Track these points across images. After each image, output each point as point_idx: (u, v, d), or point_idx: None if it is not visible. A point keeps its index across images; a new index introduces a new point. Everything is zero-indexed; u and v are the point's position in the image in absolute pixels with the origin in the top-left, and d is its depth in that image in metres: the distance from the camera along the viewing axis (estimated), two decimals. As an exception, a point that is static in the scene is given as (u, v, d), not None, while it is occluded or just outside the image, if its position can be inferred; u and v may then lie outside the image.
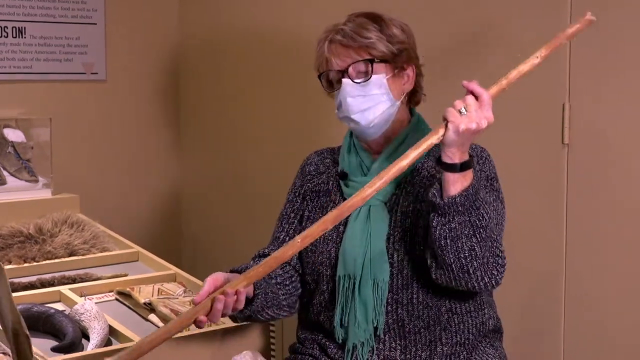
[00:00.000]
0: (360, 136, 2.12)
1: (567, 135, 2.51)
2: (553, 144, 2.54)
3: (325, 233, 1.98)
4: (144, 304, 2.42)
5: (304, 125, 3.30)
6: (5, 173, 3.14)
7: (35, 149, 3.24)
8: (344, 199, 2.10)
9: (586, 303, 2.52)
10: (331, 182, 2.18)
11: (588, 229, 2.51)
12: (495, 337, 2.13)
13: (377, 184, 1.84)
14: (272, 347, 2.36)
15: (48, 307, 2.33)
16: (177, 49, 3.84)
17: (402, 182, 2.08)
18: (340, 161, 2.17)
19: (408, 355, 2.02)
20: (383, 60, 2.05)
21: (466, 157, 1.86)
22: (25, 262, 2.68)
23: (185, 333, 2.26)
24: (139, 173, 3.79)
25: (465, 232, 1.87)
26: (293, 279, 2.17)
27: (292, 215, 2.22)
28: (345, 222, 2.07)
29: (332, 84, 2.09)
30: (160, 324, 2.34)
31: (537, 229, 2.60)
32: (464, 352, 2.04)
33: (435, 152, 2.10)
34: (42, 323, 2.27)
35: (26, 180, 3.16)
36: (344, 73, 2.05)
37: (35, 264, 2.69)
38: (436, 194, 1.88)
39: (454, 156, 1.85)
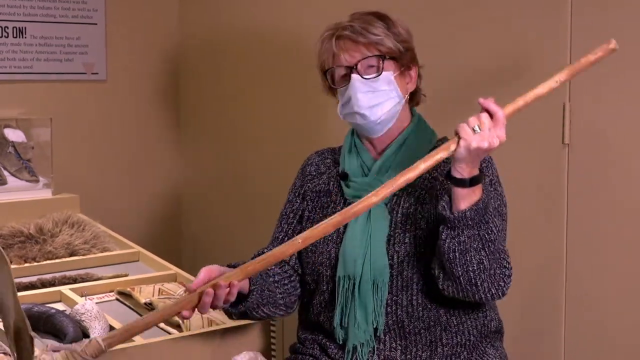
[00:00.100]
0: (365, 133, 2.11)
1: (568, 135, 2.51)
2: (553, 144, 2.54)
3: None
4: (145, 304, 2.42)
5: (304, 125, 3.30)
6: (5, 173, 3.14)
7: (35, 149, 3.24)
8: (345, 200, 2.11)
9: (587, 303, 2.52)
10: (332, 183, 2.18)
11: (588, 229, 2.51)
12: (496, 337, 2.13)
13: (383, 193, 1.84)
14: (273, 347, 2.35)
15: (49, 307, 2.33)
16: (178, 49, 3.85)
17: (403, 184, 2.08)
18: (341, 161, 2.17)
19: (409, 356, 2.02)
20: (392, 57, 2.06)
21: (476, 172, 1.86)
22: (25, 262, 2.68)
23: (186, 333, 2.26)
24: (140, 173, 3.79)
25: (474, 245, 1.88)
26: (292, 278, 2.17)
27: (292, 215, 2.22)
28: (346, 223, 2.07)
29: (337, 81, 2.09)
30: (161, 324, 2.34)
31: (538, 229, 2.60)
32: (465, 353, 2.05)
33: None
34: (43, 323, 2.27)
35: (27, 180, 3.16)
36: (352, 69, 2.05)
37: (35, 264, 2.69)
38: (446, 206, 1.88)
39: (463, 171, 1.85)
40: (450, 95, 2.76)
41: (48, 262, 2.71)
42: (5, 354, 2.06)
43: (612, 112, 2.44)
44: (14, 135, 3.21)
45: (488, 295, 1.93)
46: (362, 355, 2.02)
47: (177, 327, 2.31)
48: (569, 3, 2.49)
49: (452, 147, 1.83)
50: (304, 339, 2.17)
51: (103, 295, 2.53)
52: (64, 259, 2.74)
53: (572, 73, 1.91)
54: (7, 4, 3.35)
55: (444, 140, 2.16)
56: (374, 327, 2.01)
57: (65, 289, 2.49)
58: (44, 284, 2.54)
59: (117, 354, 2.13)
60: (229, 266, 2.00)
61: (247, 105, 3.57)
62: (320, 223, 1.87)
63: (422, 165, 1.84)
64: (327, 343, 2.10)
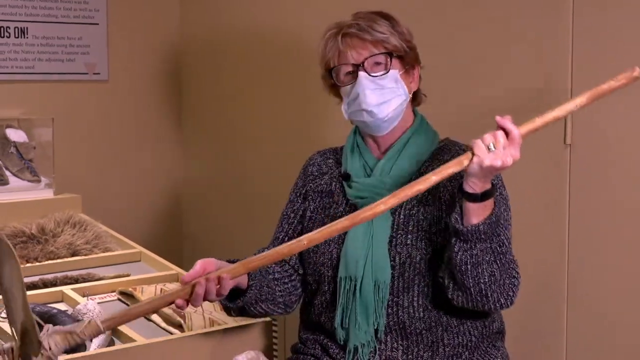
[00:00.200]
0: (371, 131, 2.11)
1: (569, 135, 2.51)
2: (555, 144, 2.54)
3: None
4: (147, 304, 2.42)
5: (305, 126, 3.30)
6: (7, 173, 3.14)
7: (37, 149, 3.24)
8: (347, 200, 2.11)
9: (588, 303, 2.52)
10: (334, 183, 2.18)
11: (590, 229, 2.51)
12: (498, 337, 2.13)
13: (391, 202, 1.84)
14: (275, 347, 2.35)
15: (50, 307, 2.33)
16: (179, 50, 3.85)
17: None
18: (343, 162, 2.17)
19: (410, 356, 2.03)
20: (398, 55, 2.06)
21: (488, 186, 1.86)
22: (27, 262, 2.68)
23: (187, 333, 2.26)
24: (141, 173, 3.79)
25: (487, 258, 1.89)
26: (292, 277, 2.17)
27: (292, 215, 2.22)
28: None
29: (343, 79, 2.09)
30: (163, 324, 2.35)
31: (540, 229, 2.60)
32: (466, 353, 2.05)
33: (440, 156, 2.11)
34: (45, 323, 2.27)
35: (28, 181, 3.16)
36: (359, 67, 2.05)
37: (37, 264, 2.69)
38: (458, 219, 1.88)
39: (475, 186, 1.84)
40: (451, 96, 2.76)
41: (50, 262, 2.71)
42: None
43: (614, 112, 2.44)
44: (16, 135, 3.21)
45: (497, 305, 1.95)
46: (363, 356, 2.02)
47: (179, 327, 2.32)
48: (571, 3, 2.49)
49: (465, 162, 1.82)
50: (306, 339, 2.18)
51: (105, 295, 2.53)
52: (65, 259, 2.74)
53: (593, 98, 1.88)
54: (9, 4, 3.35)
55: (445, 141, 2.17)
56: (375, 328, 2.01)
57: (67, 289, 2.49)
58: (45, 284, 2.54)
59: (119, 354, 2.14)
60: (228, 261, 2.00)
61: (247, 106, 3.57)
62: (327, 226, 1.86)
63: (433, 178, 1.82)
64: (329, 343, 2.10)
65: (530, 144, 2.58)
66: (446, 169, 1.82)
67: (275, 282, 2.14)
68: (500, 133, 1.81)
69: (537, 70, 2.58)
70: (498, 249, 1.90)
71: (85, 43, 3.55)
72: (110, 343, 2.23)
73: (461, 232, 1.87)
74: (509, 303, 1.96)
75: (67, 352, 2.12)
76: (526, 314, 2.64)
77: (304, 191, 2.23)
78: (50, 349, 1.75)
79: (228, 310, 2.13)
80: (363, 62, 2.05)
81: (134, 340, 2.20)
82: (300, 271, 2.19)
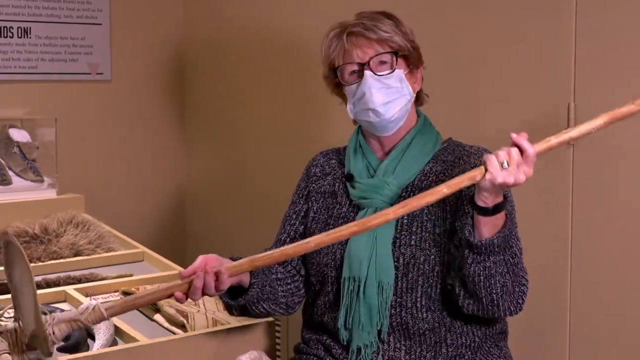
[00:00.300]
0: (376, 132, 2.11)
1: (572, 135, 2.51)
2: (558, 144, 2.54)
3: None
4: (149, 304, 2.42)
5: (309, 125, 3.30)
6: (10, 173, 3.14)
7: (40, 149, 3.24)
8: (350, 201, 2.11)
9: (591, 302, 2.52)
10: (337, 184, 2.17)
11: (593, 229, 2.50)
12: (500, 337, 2.13)
13: (400, 211, 1.85)
14: (277, 347, 2.35)
15: (54, 307, 2.34)
16: (182, 49, 3.85)
17: (410, 186, 2.08)
18: (346, 163, 2.17)
19: (413, 356, 2.02)
20: (403, 55, 2.06)
21: (499, 200, 1.86)
22: (30, 262, 2.67)
23: (190, 333, 2.26)
24: (144, 173, 3.79)
25: (499, 270, 1.90)
26: (295, 278, 2.17)
27: (294, 216, 2.22)
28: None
29: (348, 78, 2.08)
30: (166, 324, 2.35)
31: (543, 229, 2.59)
32: (469, 353, 2.05)
33: (444, 157, 2.10)
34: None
35: (31, 180, 3.16)
36: (364, 66, 2.05)
37: (40, 264, 2.69)
38: (472, 231, 1.89)
39: (487, 200, 1.85)
40: (452, 96, 2.76)
41: (53, 262, 2.71)
42: (9, 353, 2.06)
43: (617, 112, 2.44)
44: (19, 135, 3.21)
45: (507, 312, 1.97)
46: (366, 356, 2.02)
47: (182, 327, 2.32)
48: (574, 3, 2.49)
49: (478, 177, 1.82)
50: (309, 339, 2.17)
51: (108, 295, 2.53)
52: (68, 259, 2.74)
53: (611, 121, 1.88)
54: (12, 4, 3.35)
55: (449, 141, 2.17)
56: (378, 328, 2.01)
57: (70, 289, 2.49)
58: (48, 284, 2.54)
59: (122, 354, 2.14)
60: (231, 259, 2.00)
61: (250, 105, 3.57)
62: (335, 230, 1.87)
63: (444, 190, 1.83)
64: (332, 343, 2.10)
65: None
66: (458, 183, 1.83)
67: (278, 282, 2.13)
68: (515, 151, 1.81)
69: (539, 70, 2.58)
70: (511, 260, 1.91)
71: (88, 43, 3.55)
72: (113, 343, 2.23)
73: (475, 246, 1.87)
74: (518, 310, 1.97)
75: (69, 351, 2.14)
76: (529, 314, 2.63)
77: (306, 192, 2.22)
78: (53, 333, 1.76)
79: (230, 309, 2.13)
80: (369, 61, 2.05)
81: (136, 340, 2.21)
82: (303, 272, 2.18)
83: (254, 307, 2.09)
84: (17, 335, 1.80)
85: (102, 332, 2.22)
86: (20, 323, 1.79)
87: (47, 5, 3.44)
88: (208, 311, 2.39)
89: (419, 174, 2.08)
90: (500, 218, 1.87)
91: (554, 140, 1.84)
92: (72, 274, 2.62)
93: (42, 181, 3.18)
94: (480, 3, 2.71)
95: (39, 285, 2.52)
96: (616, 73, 2.43)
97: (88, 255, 2.79)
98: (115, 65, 3.65)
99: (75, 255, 2.78)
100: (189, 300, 2.43)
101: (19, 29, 3.38)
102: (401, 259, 2.01)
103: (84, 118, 3.57)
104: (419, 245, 2.01)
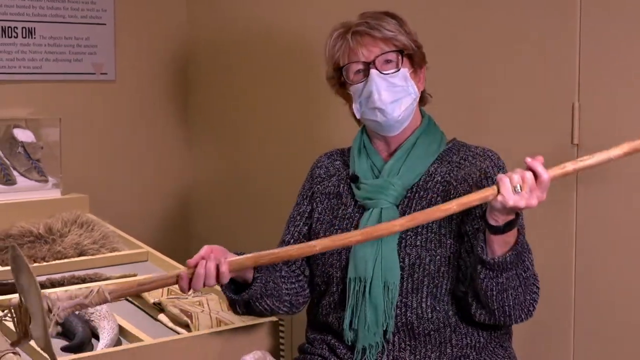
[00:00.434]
0: (382, 131, 2.10)
1: (577, 135, 2.51)
2: (563, 144, 2.54)
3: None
4: (154, 303, 2.42)
5: (313, 126, 3.30)
6: (15, 173, 3.15)
7: (44, 149, 3.24)
8: (355, 202, 2.11)
9: (596, 303, 2.52)
10: (342, 185, 2.17)
11: (598, 229, 2.50)
12: (505, 337, 2.12)
13: (408, 225, 1.87)
14: (282, 347, 2.35)
15: (58, 306, 2.33)
16: (186, 49, 3.85)
17: (415, 186, 2.07)
18: (350, 164, 2.17)
19: (417, 356, 2.02)
20: (408, 54, 2.06)
21: (511, 217, 1.86)
22: (35, 262, 2.68)
23: (194, 333, 2.27)
24: (148, 173, 3.79)
25: (512, 284, 1.91)
26: (299, 278, 2.17)
27: (298, 217, 2.22)
28: (356, 225, 2.08)
29: (353, 78, 2.08)
30: (170, 324, 2.35)
31: (547, 229, 2.59)
32: (474, 353, 2.04)
33: (448, 157, 2.10)
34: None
35: (36, 180, 3.16)
36: (370, 64, 2.04)
37: (45, 263, 2.69)
38: (484, 248, 1.89)
39: (498, 218, 1.85)
40: (455, 96, 2.76)
41: (57, 262, 2.71)
42: (14, 353, 2.06)
43: (622, 112, 2.43)
44: (24, 135, 3.22)
45: (518, 320, 1.98)
46: (371, 356, 2.02)
47: (186, 327, 2.32)
48: (578, 3, 2.48)
49: (489, 197, 1.82)
50: (313, 339, 2.17)
51: (112, 295, 2.53)
52: (72, 259, 2.74)
53: (629, 152, 1.88)
54: (17, 4, 3.35)
55: (453, 142, 2.16)
56: (384, 329, 2.01)
57: (74, 289, 2.49)
58: (53, 284, 2.54)
59: (126, 354, 2.14)
60: (236, 254, 2.01)
61: (255, 105, 3.57)
62: (341, 236, 1.90)
63: (454, 207, 1.84)
64: (336, 343, 2.10)
65: (538, 143, 2.59)
66: (469, 202, 1.84)
67: (282, 280, 2.13)
68: (530, 175, 1.81)
69: (544, 70, 2.58)
70: (523, 274, 1.92)
71: (92, 43, 3.55)
72: (117, 343, 2.23)
73: (487, 263, 1.88)
74: (528, 317, 1.99)
75: (73, 351, 2.14)
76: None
77: (310, 193, 2.22)
78: (58, 315, 1.80)
79: (234, 307, 2.13)
80: (374, 60, 2.05)
81: (141, 340, 2.21)
82: (307, 273, 2.18)
83: (257, 304, 2.08)
84: (21, 311, 1.83)
85: (106, 332, 2.22)
86: (23, 302, 1.82)
87: (51, 6, 3.44)
88: (212, 311, 2.39)
89: (423, 174, 2.08)
90: (511, 235, 1.87)
91: (570, 166, 1.84)
92: (76, 273, 2.62)
93: (46, 181, 3.19)
94: (484, 3, 2.71)
95: (44, 285, 2.52)
96: (621, 73, 2.43)
97: (92, 255, 2.79)
98: (120, 66, 3.65)
99: (80, 255, 2.78)
100: (193, 299, 2.46)
101: (24, 29, 3.38)
102: (407, 260, 2.01)
103: (88, 118, 3.57)
104: (424, 246, 2.01)
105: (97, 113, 3.61)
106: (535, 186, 1.81)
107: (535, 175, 1.81)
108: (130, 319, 2.34)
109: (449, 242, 2.01)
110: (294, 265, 2.17)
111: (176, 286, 2.51)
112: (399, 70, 2.06)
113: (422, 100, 2.17)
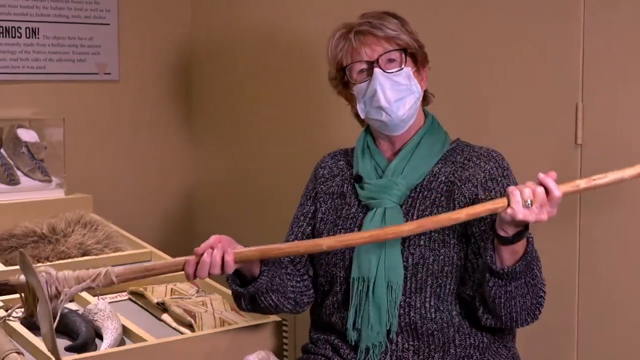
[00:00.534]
0: (387, 131, 2.10)
1: (580, 135, 2.51)
2: (566, 144, 2.54)
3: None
4: (157, 303, 2.43)
5: (317, 126, 3.30)
6: (19, 173, 3.15)
7: (48, 149, 3.25)
8: (359, 202, 2.11)
9: (599, 302, 2.52)
10: (346, 185, 2.17)
11: (601, 229, 2.50)
12: (509, 337, 2.12)
13: (416, 231, 1.89)
14: (285, 347, 2.36)
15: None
16: (190, 49, 3.85)
17: (419, 186, 2.07)
18: (354, 164, 2.17)
19: (421, 357, 2.02)
20: (411, 52, 2.06)
21: (520, 228, 1.86)
22: (38, 261, 2.69)
23: (198, 333, 2.27)
24: (152, 173, 3.79)
25: (521, 292, 1.92)
26: (304, 277, 2.17)
27: (302, 218, 2.22)
28: (360, 224, 2.08)
29: (356, 77, 2.08)
30: (174, 324, 2.35)
31: (550, 229, 2.58)
32: (477, 354, 2.04)
33: (452, 158, 2.10)
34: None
35: (39, 180, 3.17)
36: (373, 64, 2.05)
37: (48, 263, 2.68)
38: (494, 256, 1.89)
39: (507, 229, 1.85)
40: (458, 96, 2.76)
41: (61, 261, 2.71)
42: (18, 353, 2.07)
43: (625, 112, 2.43)
44: (27, 135, 3.22)
45: (524, 324, 1.99)
46: (374, 356, 2.02)
47: (190, 327, 2.32)
48: (582, 4, 2.48)
49: (499, 209, 1.82)
50: (316, 339, 2.17)
51: (116, 295, 2.54)
52: (76, 259, 2.75)
53: None
54: (20, 4, 3.36)
55: (457, 142, 2.16)
56: (387, 328, 2.01)
57: (81, 271, 2.49)
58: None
59: (129, 354, 2.14)
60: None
61: (258, 105, 3.57)
62: (348, 237, 1.92)
63: (462, 216, 1.85)
64: (339, 343, 2.10)
65: (541, 143, 2.59)
66: (478, 212, 1.84)
67: (288, 277, 2.14)
68: (541, 190, 1.81)
69: (547, 70, 2.58)
70: (531, 282, 1.92)
71: (96, 43, 3.56)
72: (121, 343, 2.23)
73: (496, 272, 1.88)
74: (535, 320, 2.00)
75: (77, 351, 2.14)
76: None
77: (314, 194, 2.22)
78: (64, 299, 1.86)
79: (239, 300, 2.13)
80: (377, 59, 2.05)
81: (144, 340, 2.21)
82: (311, 273, 2.18)
83: (262, 298, 2.08)
84: (29, 290, 1.88)
85: (109, 332, 2.22)
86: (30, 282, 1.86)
87: (55, 6, 3.44)
88: (216, 311, 2.39)
89: (427, 174, 2.08)
90: (521, 245, 1.88)
91: (583, 184, 1.84)
92: (80, 273, 2.62)
93: (50, 181, 3.19)
94: (486, 3, 2.71)
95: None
96: (624, 73, 2.42)
97: (96, 255, 2.79)
98: (123, 66, 3.65)
99: (83, 255, 2.79)
100: (196, 299, 2.46)
101: (27, 29, 3.39)
102: (410, 259, 2.01)
103: (91, 118, 3.58)
104: (427, 246, 2.01)
105: (101, 113, 3.62)
106: (546, 201, 1.81)
107: (547, 191, 1.81)
108: (134, 319, 2.34)
109: (452, 241, 2.01)
110: (299, 265, 2.17)
111: (180, 286, 2.54)
112: (402, 69, 2.06)
113: (425, 99, 2.17)
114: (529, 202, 1.80)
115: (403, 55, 2.06)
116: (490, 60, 2.70)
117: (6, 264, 2.67)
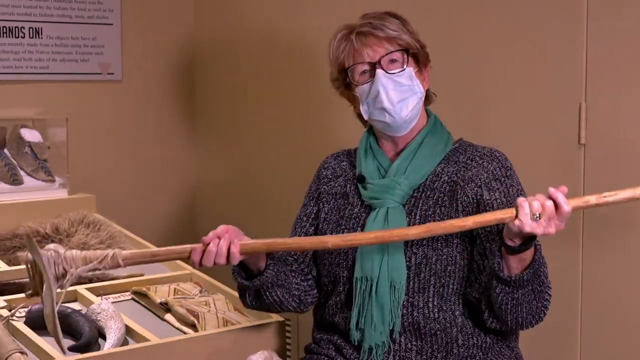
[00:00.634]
0: (390, 132, 2.10)
1: (584, 135, 2.50)
2: (569, 144, 2.53)
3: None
4: (160, 303, 2.43)
5: (319, 126, 3.30)
6: (22, 173, 3.15)
7: (51, 149, 3.25)
8: (362, 202, 2.11)
9: (602, 302, 2.51)
10: (349, 185, 2.17)
11: (604, 229, 2.50)
12: (512, 337, 2.12)
13: (423, 235, 1.89)
14: (288, 347, 2.36)
15: (65, 306, 2.34)
16: (193, 49, 3.85)
17: (421, 186, 2.07)
18: (357, 164, 2.17)
19: (424, 357, 2.02)
20: (412, 53, 2.06)
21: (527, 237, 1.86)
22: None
23: (201, 333, 2.27)
24: (155, 173, 3.80)
25: (527, 299, 1.92)
26: (308, 277, 2.17)
27: (305, 218, 2.22)
28: (363, 224, 2.08)
29: (358, 79, 2.08)
30: (177, 324, 2.35)
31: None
32: (480, 354, 2.04)
33: (455, 157, 2.10)
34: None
35: (43, 180, 3.17)
36: (375, 65, 2.04)
37: (51, 263, 2.69)
38: (501, 263, 1.89)
39: (515, 238, 1.86)
40: (461, 96, 2.76)
41: (64, 261, 2.71)
42: (22, 353, 2.07)
43: (629, 112, 2.43)
44: (31, 135, 3.22)
45: (529, 326, 1.99)
46: (377, 356, 2.02)
47: (193, 326, 2.32)
48: (585, 4, 2.48)
49: (507, 219, 1.83)
50: (319, 339, 2.17)
51: (119, 295, 2.54)
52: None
53: None
54: (24, 4, 3.36)
55: (460, 142, 2.16)
56: (390, 328, 2.01)
57: (81, 289, 2.50)
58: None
59: (133, 354, 2.14)
60: None
61: (261, 105, 3.57)
62: (353, 236, 1.94)
63: (469, 224, 1.86)
64: (342, 343, 2.10)
65: (544, 143, 2.59)
66: (485, 221, 1.85)
67: (293, 274, 2.14)
68: (550, 204, 1.81)
69: (551, 69, 2.57)
70: (538, 288, 1.93)
71: (99, 43, 3.56)
72: (124, 343, 2.24)
73: (503, 280, 1.89)
74: (539, 322, 2.00)
75: (80, 351, 2.14)
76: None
77: (316, 194, 2.22)
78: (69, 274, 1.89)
79: (244, 295, 2.13)
80: (379, 60, 2.05)
81: (147, 340, 2.21)
82: (314, 273, 2.18)
83: (267, 293, 2.09)
84: (36, 269, 1.90)
85: (113, 331, 2.22)
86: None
87: (58, 6, 3.44)
88: (219, 311, 2.39)
89: (430, 174, 2.08)
90: (528, 253, 1.88)
91: (593, 201, 1.84)
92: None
93: (53, 181, 3.19)
94: (490, 2, 2.70)
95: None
96: (628, 73, 2.42)
97: (98, 275, 2.78)
98: (127, 66, 3.65)
99: (86, 275, 2.78)
100: (199, 299, 2.46)
101: (31, 29, 3.39)
102: (413, 259, 2.01)
103: (95, 118, 3.58)
104: (430, 245, 2.01)
105: (104, 113, 3.62)
106: (555, 215, 1.81)
107: (556, 205, 1.81)
108: (137, 319, 2.35)
109: (455, 241, 2.01)
110: (303, 264, 2.17)
111: (183, 286, 2.54)
112: (404, 69, 2.06)
113: (427, 99, 2.17)
114: (537, 215, 1.80)
115: (405, 56, 2.06)
116: (493, 60, 2.70)
117: (9, 264, 2.67)
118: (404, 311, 2.01)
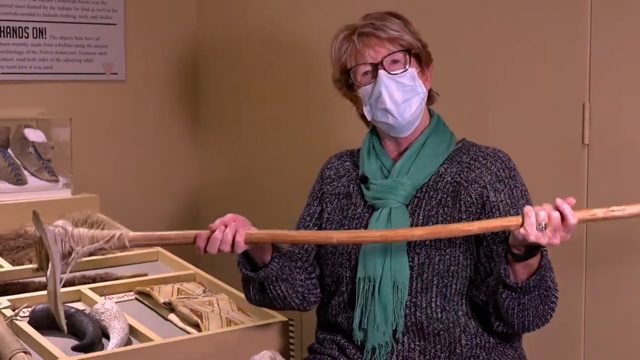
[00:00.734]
0: (393, 132, 2.10)
1: (587, 135, 2.50)
2: (573, 144, 2.53)
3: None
4: (164, 303, 2.43)
5: (323, 126, 3.30)
6: (26, 173, 3.15)
7: (55, 149, 3.25)
8: (365, 202, 2.11)
9: (606, 303, 2.51)
10: (352, 186, 2.17)
11: (608, 230, 2.49)
12: (515, 337, 2.12)
13: (426, 237, 1.91)
14: (291, 347, 2.36)
15: (68, 306, 2.34)
16: (196, 50, 3.86)
17: (424, 186, 2.07)
18: (360, 164, 2.17)
19: (427, 357, 2.02)
20: (414, 53, 2.06)
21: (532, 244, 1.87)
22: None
23: (204, 333, 2.27)
24: (159, 172, 3.80)
25: (534, 304, 1.92)
26: (311, 275, 2.17)
27: (308, 218, 2.22)
28: (366, 224, 2.08)
29: (361, 79, 2.08)
30: (180, 324, 2.35)
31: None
32: (483, 354, 2.04)
33: (458, 158, 2.10)
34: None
35: (46, 180, 3.17)
36: (377, 66, 2.04)
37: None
38: (508, 270, 1.90)
39: (519, 246, 1.86)
40: (463, 96, 2.76)
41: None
42: (25, 352, 2.07)
43: (633, 112, 2.43)
44: (34, 135, 3.22)
45: (535, 329, 2.00)
46: (380, 356, 2.02)
47: (196, 326, 2.32)
48: (589, 4, 2.48)
49: (512, 227, 1.83)
50: (323, 339, 2.17)
51: (122, 294, 2.54)
52: (83, 259, 2.74)
53: None
54: (27, 4, 3.37)
55: (463, 142, 2.16)
56: (393, 328, 2.01)
57: (84, 289, 2.50)
58: (63, 284, 2.54)
59: (136, 353, 2.15)
60: None
61: (264, 105, 3.58)
62: (357, 232, 1.96)
63: (475, 229, 1.87)
64: (346, 343, 2.10)
65: (548, 143, 2.58)
66: (491, 227, 1.86)
67: (297, 271, 2.14)
68: (556, 215, 1.82)
69: (554, 69, 2.57)
70: (544, 292, 1.93)
71: (102, 43, 3.56)
72: (128, 342, 2.24)
73: (509, 286, 1.89)
74: (545, 324, 2.00)
75: (83, 350, 2.15)
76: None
77: (320, 194, 2.23)
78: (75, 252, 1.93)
79: (248, 288, 2.13)
80: (382, 61, 2.05)
81: (151, 340, 2.21)
82: (317, 272, 2.18)
83: (271, 287, 2.09)
84: (42, 246, 1.94)
85: (116, 331, 2.23)
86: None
87: (61, 6, 3.45)
88: (222, 311, 2.39)
89: (433, 174, 2.08)
90: (534, 259, 1.88)
91: (600, 214, 1.84)
92: (86, 273, 2.63)
93: (57, 181, 3.19)
94: (494, 2, 2.70)
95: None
96: (632, 73, 2.42)
97: (103, 255, 2.79)
98: (130, 65, 3.66)
99: (90, 255, 2.78)
100: (203, 299, 2.46)
101: (34, 30, 3.39)
102: (416, 259, 2.01)
103: (98, 118, 3.58)
104: (433, 245, 2.01)
105: (108, 113, 3.62)
106: (561, 227, 1.81)
107: (563, 216, 1.81)
108: (141, 319, 2.35)
109: (458, 241, 2.01)
110: (306, 263, 2.18)
111: (187, 286, 2.54)
112: (406, 69, 2.05)
113: (430, 99, 2.17)
114: (543, 226, 1.81)
115: (407, 56, 2.06)
116: (496, 60, 2.70)
117: (13, 263, 2.67)
118: (407, 311, 2.01)
